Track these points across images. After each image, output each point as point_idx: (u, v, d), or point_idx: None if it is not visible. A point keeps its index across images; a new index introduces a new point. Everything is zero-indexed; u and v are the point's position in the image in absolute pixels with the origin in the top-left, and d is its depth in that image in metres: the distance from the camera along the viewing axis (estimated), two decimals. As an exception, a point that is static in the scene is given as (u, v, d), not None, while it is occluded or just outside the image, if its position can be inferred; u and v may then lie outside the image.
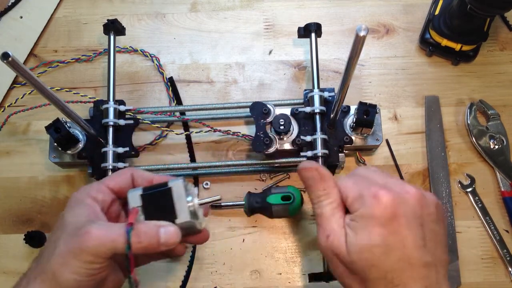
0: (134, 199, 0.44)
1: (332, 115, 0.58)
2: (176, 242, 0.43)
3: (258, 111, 0.61)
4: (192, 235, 0.47)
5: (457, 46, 0.67)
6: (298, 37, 0.67)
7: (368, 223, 0.40)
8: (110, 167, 0.59)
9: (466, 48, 0.68)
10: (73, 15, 0.75)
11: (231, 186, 0.66)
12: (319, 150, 0.59)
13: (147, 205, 0.44)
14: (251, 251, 0.63)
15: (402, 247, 0.39)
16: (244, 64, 0.72)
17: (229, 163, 0.63)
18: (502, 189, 0.64)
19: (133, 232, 0.41)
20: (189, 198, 0.44)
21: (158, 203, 0.44)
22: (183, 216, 0.43)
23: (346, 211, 0.43)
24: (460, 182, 0.65)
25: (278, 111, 0.62)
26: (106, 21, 0.64)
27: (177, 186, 0.44)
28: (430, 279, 0.41)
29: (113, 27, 0.64)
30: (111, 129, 0.61)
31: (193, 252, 0.62)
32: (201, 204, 0.45)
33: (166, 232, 0.42)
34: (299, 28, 0.66)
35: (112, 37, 0.65)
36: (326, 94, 0.61)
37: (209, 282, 0.62)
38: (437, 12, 0.69)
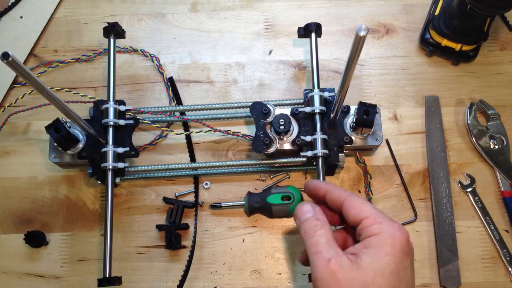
0: None
1: (332, 115, 0.58)
2: None
3: (258, 111, 0.61)
4: None
5: (457, 46, 0.67)
6: (298, 37, 0.67)
7: (381, 251, 0.41)
8: (110, 167, 0.59)
9: (466, 48, 0.68)
10: (73, 15, 0.75)
11: (231, 186, 0.66)
12: (319, 150, 0.59)
13: None
14: (251, 251, 0.63)
15: (407, 283, 0.41)
16: (244, 64, 0.72)
17: (229, 163, 0.63)
18: (502, 189, 0.64)
19: None
20: None
21: None
22: None
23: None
24: (460, 182, 0.65)
25: (278, 111, 0.62)
26: (107, 24, 0.64)
27: None
28: None
29: (113, 30, 0.64)
30: (111, 129, 0.61)
31: (192, 252, 0.62)
32: None
33: None
34: (299, 28, 0.66)
35: (112, 40, 0.65)
36: (326, 94, 0.61)
37: (209, 282, 0.62)
38: (437, 12, 0.69)
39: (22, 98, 0.69)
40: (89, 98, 0.67)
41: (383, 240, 0.41)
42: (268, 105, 0.61)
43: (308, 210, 0.46)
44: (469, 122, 0.66)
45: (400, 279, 0.40)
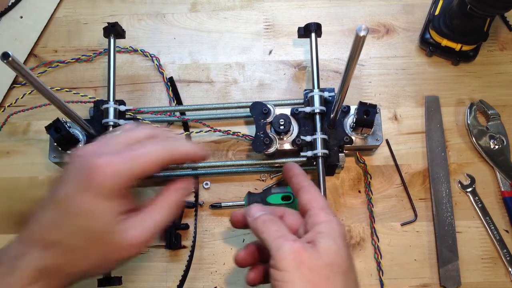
0: None
1: (332, 115, 0.58)
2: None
3: (258, 111, 0.61)
4: None
5: (457, 46, 0.67)
6: (298, 37, 0.67)
7: (334, 235, 0.42)
8: (110, 167, 0.59)
9: (466, 48, 0.68)
10: (73, 15, 0.75)
11: (231, 186, 0.66)
12: (319, 150, 0.59)
13: None
14: (251, 251, 0.63)
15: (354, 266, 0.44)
16: (244, 64, 0.72)
17: (229, 163, 0.63)
18: (502, 189, 0.64)
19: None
20: None
21: None
22: None
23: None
24: (460, 182, 0.65)
25: (278, 111, 0.62)
26: (107, 24, 0.64)
27: None
28: None
29: (113, 30, 0.65)
30: (111, 129, 0.61)
31: (192, 252, 0.62)
32: None
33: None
34: (299, 28, 0.66)
35: (112, 40, 0.65)
36: (326, 94, 0.61)
37: (209, 282, 0.62)
38: (437, 12, 0.69)
39: (22, 98, 0.69)
40: (89, 98, 0.67)
41: (333, 226, 0.43)
42: (268, 105, 0.61)
43: (260, 209, 0.47)
44: (469, 122, 0.66)
45: (351, 261, 0.42)
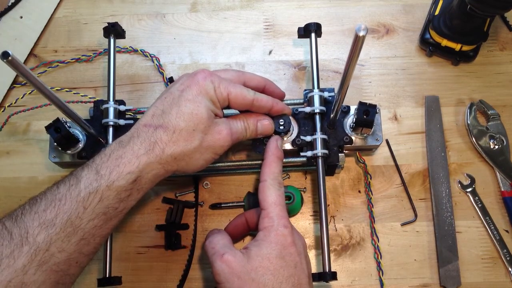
0: None
1: (332, 115, 0.58)
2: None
3: (258, 111, 0.60)
4: None
5: (457, 46, 0.67)
6: (298, 37, 0.66)
7: (266, 242, 0.49)
8: (110, 167, 0.59)
9: (466, 48, 0.68)
10: (73, 15, 0.75)
11: (231, 186, 0.66)
12: (319, 150, 0.59)
13: None
14: (251, 251, 0.63)
15: (295, 264, 0.50)
16: (244, 64, 0.72)
17: (229, 163, 0.63)
18: (502, 189, 0.64)
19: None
20: None
21: None
22: None
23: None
24: (460, 182, 0.65)
25: (278, 111, 0.62)
26: (107, 24, 0.64)
27: None
28: None
29: (113, 31, 0.64)
30: (111, 129, 0.61)
31: (192, 252, 0.62)
32: None
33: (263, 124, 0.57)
34: (299, 28, 0.66)
35: (112, 40, 0.65)
36: (326, 94, 0.61)
37: (209, 282, 0.62)
38: (437, 12, 0.69)
39: (22, 98, 0.69)
40: (89, 98, 0.67)
41: (269, 233, 0.49)
42: (268, 105, 0.60)
43: (212, 233, 0.53)
44: (469, 122, 0.66)
45: (286, 261, 0.48)
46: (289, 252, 0.48)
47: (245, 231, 0.58)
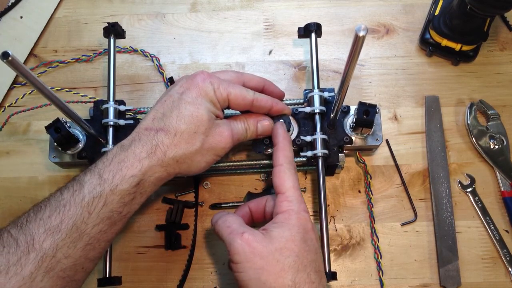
0: None
1: (332, 115, 0.58)
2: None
3: (258, 111, 0.60)
4: None
5: (457, 46, 0.67)
6: (298, 37, 0.66)
7: (289, 224, 0.48)
8: (110, 167, 0.59)
9: (466, 48, 0.68)
10: (73, 15, 0.75)
11: (231, 186, 0.66)
12: (319, 150, 0.59)
13: None
14: (251, 251, 0.63)
15: (316, 249, 0.50)
16: (244, 64, 0.72)
17: (229, 163, 0.63)
18: (502, 189, 0.64)
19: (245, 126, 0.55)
20: None
21: None
22: None
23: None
24: (460, 182, 0.65)
25: (278, 111, 0.62)
26: (107, 24, 0.64)
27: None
28: None
29: (114, 31, 0.64)
30: (111, 129, 0.61)
31: (192, 252, 0.62)
32: None
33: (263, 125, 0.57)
34: (299, 28, 0.66)
35: (112, 40, 0.65)
36: (326, 94, 0.61)
37: (209, 282, 0.62)
38: (437, 12, 0.69)
39: (22, 98, 0.69)
40: (89, 98, 0.67)
41: (290, 216, 0.48)
42: (268, 105, 0.60)
43: (220, 214, 0.52)
44: (469, 122, 0.66)
45: (308, 245, 0.47)
46: (310, 237, 0.48)
47: (249, 223, 0.57)
